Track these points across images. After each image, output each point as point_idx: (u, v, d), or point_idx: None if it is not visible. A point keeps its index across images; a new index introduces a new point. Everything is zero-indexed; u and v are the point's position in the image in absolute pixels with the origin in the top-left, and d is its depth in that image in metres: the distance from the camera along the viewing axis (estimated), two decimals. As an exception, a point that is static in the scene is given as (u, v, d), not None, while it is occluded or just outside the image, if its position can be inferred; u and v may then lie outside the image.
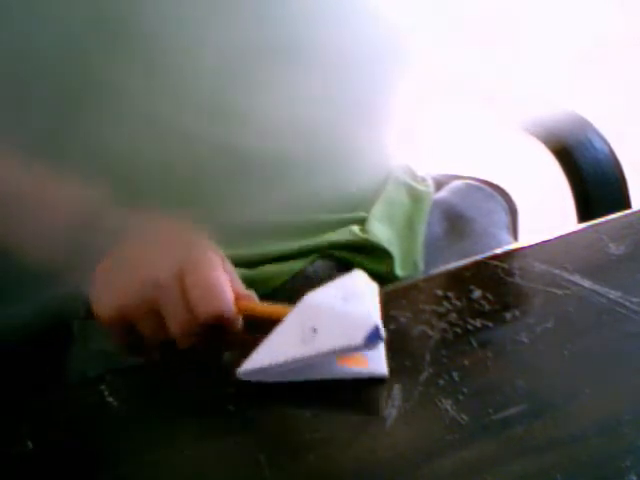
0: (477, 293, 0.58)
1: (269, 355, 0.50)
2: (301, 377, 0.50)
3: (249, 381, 0.50)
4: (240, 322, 0.55)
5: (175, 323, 0.53)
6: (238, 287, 0.56)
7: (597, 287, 0.57)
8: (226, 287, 0.54)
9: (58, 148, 0.61)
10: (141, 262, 0.55)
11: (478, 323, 0.55)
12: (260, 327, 0.52)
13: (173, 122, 0.62)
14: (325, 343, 0.49)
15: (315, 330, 0.50)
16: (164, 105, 0.62)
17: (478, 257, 0.63)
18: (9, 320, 0.57)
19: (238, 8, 0.63)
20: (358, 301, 0.52)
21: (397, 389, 0.49)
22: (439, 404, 0.48)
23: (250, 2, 0.64)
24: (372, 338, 0.49)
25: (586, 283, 0.58)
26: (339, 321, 0.50)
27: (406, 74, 0.71)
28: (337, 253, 0.71)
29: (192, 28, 0.62)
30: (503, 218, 0.87)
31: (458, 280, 0.60)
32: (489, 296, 0.58)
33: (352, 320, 0.50)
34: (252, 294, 0.56)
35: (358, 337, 0.48)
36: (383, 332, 0.49)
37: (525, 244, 0.64)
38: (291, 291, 0.56)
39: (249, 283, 0.59)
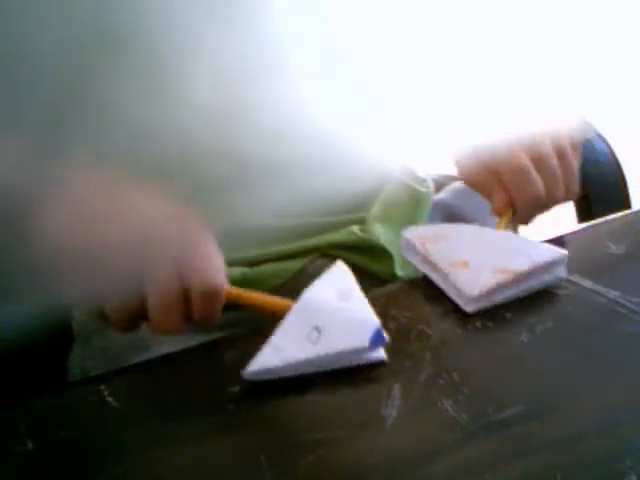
0: (477, 293, 0.58)
1: (277, 356, 0.51)
2: (306, 372, 0.51)
3: (250, 381, 0.50)
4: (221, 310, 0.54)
5: (159, 296, 0.52)
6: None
7: (597, 287, 0.57)
8: (221, 262, 0.53)
9: (56, 151, 0.61)
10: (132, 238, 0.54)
11: (478, 323, 0.55)
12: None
13: (172, 127, 0.62)
14: (332, 343, 0.51)
15: (319, 329, 0.51)
16: (163, 110, 0.62)
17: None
18: (9, 320, 0.57)
19: (237, 14, 0.63)
20: (355, 299, 0.53)
21: (397, 389, 0.49)
22: (439, 404, 0.48)
23: (248, 9, 0.64)
24: (376, 339, 0.51)
25: (586, 283, 0.58)
26: (343, 321, 0.52)
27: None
28: (337, 253, 0.71)
29: (191, 33, 0.62)
30: (503, 219, 0.86)
31: (458, 280, 0.60)
32: (489, 296, 0.57)
33: (356, 321, 0.52)
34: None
35: (364, 339, 0.50)
36: (384, 333, 0.51)
37: (525, 244, 0.64)
38: (291, 290, 0.56)
39: (249, 282, 0.59)
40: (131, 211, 0.55)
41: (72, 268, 0.53)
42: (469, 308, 0.56)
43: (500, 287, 0.56)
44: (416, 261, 0.62)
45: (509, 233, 0.63)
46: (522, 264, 0.57)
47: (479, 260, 0.57)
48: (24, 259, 0.55)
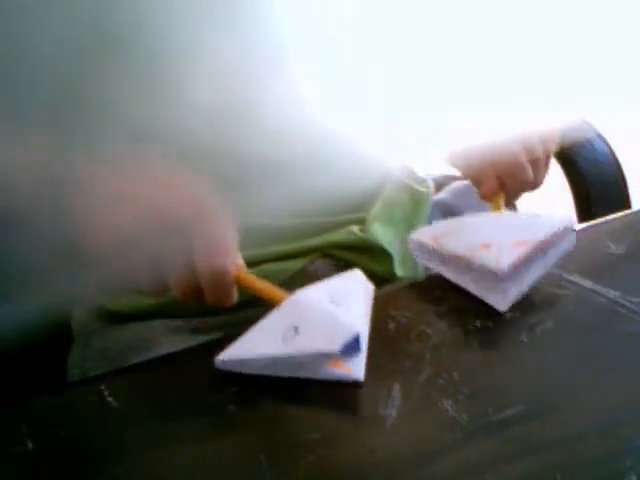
0: (477, 293, 0.58)
1: (247, 349, 0.51)
2: (278, 373, 0.50)
3: (249, 381, 0.50)
4: (235, 294, 0.54)
5: (176, 281, 0.53)
6: (239, 260, 0.55)
7: (597, 287, 0.57)
8: (231, 245, 0.54)
9: (56, 151, 0.61)
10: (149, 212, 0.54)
11: (478, 323, 0.55)
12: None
13: (172, 126, 0.62)
14: (303, 345, 0.49)
15: (297, 330, 0.50)
16: (163, 109, 0.62)
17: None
18: (9, 320, 0.57)
19: (237, 14, 0.63)
20: (346, 305, 0.52)
21: (397, 389, 0.49)
22: (439, 404, 0.48)
23: (248, 9, 0.64)
24: (350, 348, 0.49)
25: (586, 283, 0.58)
26: (321, 324, 0.50)
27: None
28: (337, 253, 0.71)
29: (191, 33, 0.62)
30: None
31: (458, 280, 0.60)
32: (489, 296, 0.57)
33: (334, 325, 0.50)
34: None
35: (336, 344, 0.48)
36: (364, 342, 0.50)
37: (525, 244, 0.64)
38: (291, 290, 0.56)
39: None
40: (150, 194, 0.55)
41: (99, 252, 0.53)
42: (501, 306, 0.56)
43: (526, 259, 0.56)
44: (429, 260, 0.61)
45: (512, 212, 0.64)
46: (537, 234, 0.57)
47: (497, 240, 0.57)
48: (27, 258, 0.55)
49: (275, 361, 0.50)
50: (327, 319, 0.50)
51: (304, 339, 0.50)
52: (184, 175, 0.56)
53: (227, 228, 0.54)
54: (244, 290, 0.55)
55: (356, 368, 0.50)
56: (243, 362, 0.50)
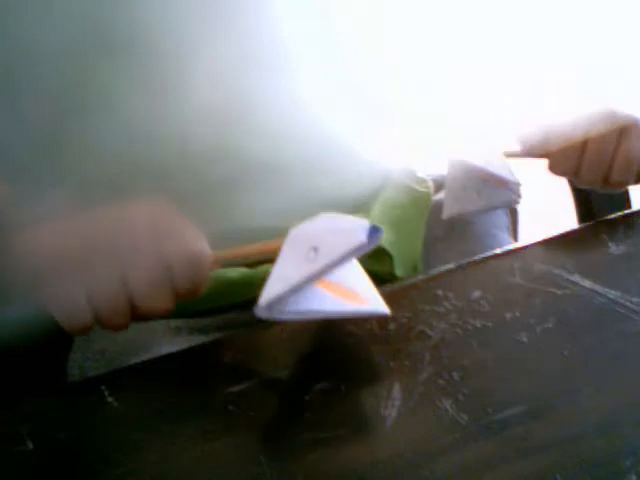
0: (477, 293, 0.58)
1: (281, 282, 0.49)
2: (314, 313, 0.50)
3: (250, 381, 0.50)
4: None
5: (143, 277, 0.50)
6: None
7: (597, 287, 0.57)
8: (199, 232, 0.53)
9: (53, 150, 0.61)
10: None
11: (478, 323, 0.55)
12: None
13: (172, 127, 0.62)
14: (331, 254, 0.50)
15: (316, 249, 0.50)
16: (163, 110, 0.62)
17: (478, 257, 0.63)
18: (9, 320, 0.57)
19: (237, 14, 0.63)
20: (342, 217, 0.53)
21: (397, 389, 0.49)
22: (439, 404, 0.48)
23: (248, 9, 0.64)
24: (373, 235, 0.49)
25: (586, 283, 0.58)
26: (336, 233, 0.51)
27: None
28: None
29: (192, 32, 0.62)
30: (503, 219, 0.87)
31: (458, 280, 0.60)
32: (489, 296, 0.58)
33: (348, 228, 0.50)
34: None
35: (361, 237, 0.49)
36: (379, 231, 0.50)
37: (525, 244, 0.64)
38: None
39: (249, 282, 0.59)
40: (102, 216, 0.54)
41: (51, 276, 0.52)
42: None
43: None
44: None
45: None
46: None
47: None
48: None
49: (311, 281, 0.50)
50: (339, 228, 0.51)
51: (328, 250, 0.50)
52: (138, 202, 0.55)
53: (189, 224, 0.53)
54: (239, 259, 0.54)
55: (379, 305, 0.52)
56: (280, 299, 0.49)
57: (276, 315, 0.49)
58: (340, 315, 0.51)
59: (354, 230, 0.50)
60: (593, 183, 0.66)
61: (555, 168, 0.67)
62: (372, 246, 0.49)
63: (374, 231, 0.50)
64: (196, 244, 0.52)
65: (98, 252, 0.51)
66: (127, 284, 0.50)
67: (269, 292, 0.49)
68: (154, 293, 0.51)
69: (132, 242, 0.51)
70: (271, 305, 0.49)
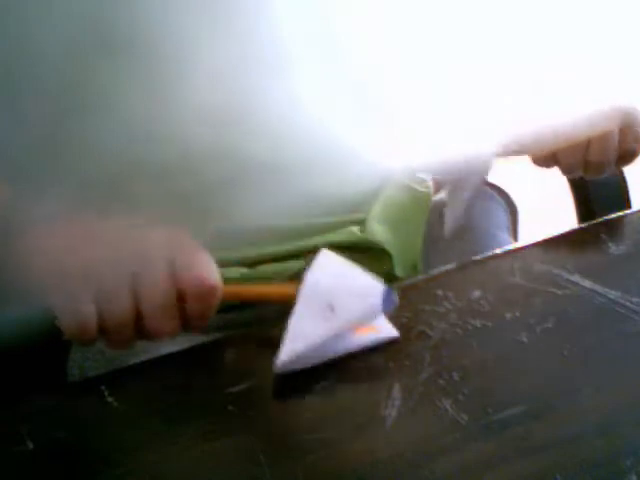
0: (477, 293, 0.58)
1: (301, 340, 0.51)
2: (329, 356, 0.52)
3: (249, 381, 0.50)
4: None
5: (154, 298, 0.51)
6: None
7: (597, 287, 0.57)
8: (211, 260, 0.53)
9: (53, 150, 0.61)
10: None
11: (478, 323, 0.55)
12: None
13: (172, 127, 0.62)
14: (347, 317, 0.52)
15: (332, 307, 0.52)
16: (163, 110, 0.62)
17: (478, 257, 0.63)
18: (9, 320, 0.57)
19: (237, 14, 0.63)
20: (355, 275, 0.55)
21: (397, 389, 0.49)
22: (439, 404, 0.48)
23: (248, 9, 0.64)
24: (387, 298, 0.52)
25: (586, 283, 0.58)
26: (352, 296, 0.53)
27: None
28: (337, 253, 0.71)
29: (192, 33, 0.62)
30: (503, 218, 0.87)
31: (458, 280, 0.60)
32: (489, 296, 0.58)
33: (363, 291, 0.53)
34: None
35: (376, 302, 0.52)
36: (394, 294, 0.53)
37: (525, 244, 0.64)
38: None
39: (249, 282, 0.59)
40: (122, 234, 0.54)
41: (62, 283, 0.52)
42: None
43: None
44: None
45: None
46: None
47: None
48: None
49: (329, 341, 0.51)
50: (355, 288, 0.53)
51: (344, 311, 0.52)
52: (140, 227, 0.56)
53: (201, 249, 0.54)
54: (246, 300, 0.55)
55: (388, 329, 0.54)
56: (301, 356, 0.51)
57: (296, 367, 0.51)
58: (357, 348, 0.53)
59: (369, 294, 0.52)
60: (574, 167, 0.67)
61: (536, 159, 0.68)
62: (388, 309, 0.53)
63: (388, 293, 0.52)
64: (210, 276, 0.52)
65: (113, 269, 0.52)
66: (139, 305, 0.51)
67: (289, 349, 0.51)
68: (164, 317, 0.51)
69: (148, 265, 0.52)
70: (292, 362, 0.51)
